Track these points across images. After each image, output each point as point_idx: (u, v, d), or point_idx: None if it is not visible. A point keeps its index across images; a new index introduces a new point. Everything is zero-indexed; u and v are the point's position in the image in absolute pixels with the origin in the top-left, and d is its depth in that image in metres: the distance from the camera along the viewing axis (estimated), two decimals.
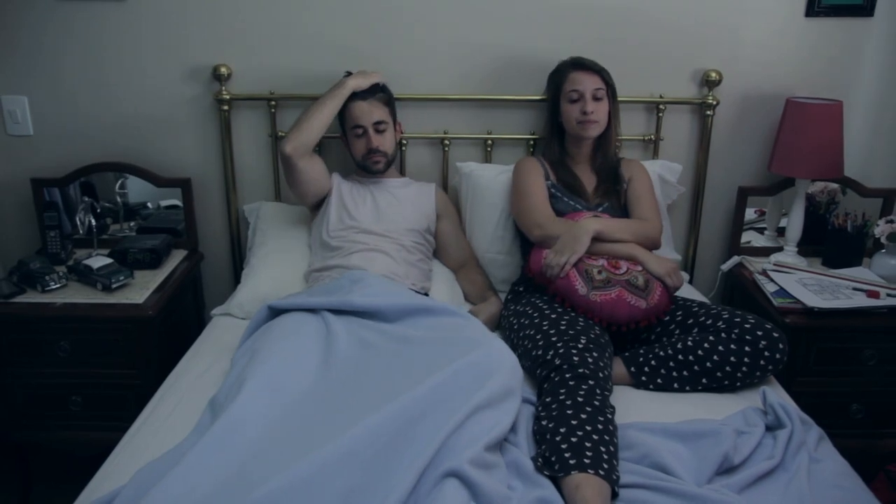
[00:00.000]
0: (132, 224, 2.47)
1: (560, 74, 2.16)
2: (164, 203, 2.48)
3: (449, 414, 1.41)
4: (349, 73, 2.18)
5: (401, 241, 2.13)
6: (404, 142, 2.37)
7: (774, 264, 2.30)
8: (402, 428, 1.38)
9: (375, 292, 1.85)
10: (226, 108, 2.29)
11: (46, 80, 2.29)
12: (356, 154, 2.19)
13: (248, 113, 2.35)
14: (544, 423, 1.54)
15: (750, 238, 2.53)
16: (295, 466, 1.27)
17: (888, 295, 2.08)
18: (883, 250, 2.25)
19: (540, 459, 1.46)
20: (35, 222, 2.34)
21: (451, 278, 2.24)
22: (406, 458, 1.32)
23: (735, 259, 2.40)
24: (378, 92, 2.16)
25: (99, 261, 2.12)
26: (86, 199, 2.36)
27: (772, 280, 2.20)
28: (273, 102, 2.31)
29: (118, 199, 2.43)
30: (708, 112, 2.35)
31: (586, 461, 1.41)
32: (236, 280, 2.42)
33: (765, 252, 2.43)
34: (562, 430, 1.49)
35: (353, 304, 1.81)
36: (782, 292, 2.11)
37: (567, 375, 1.62)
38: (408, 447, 1.34)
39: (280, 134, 2.32)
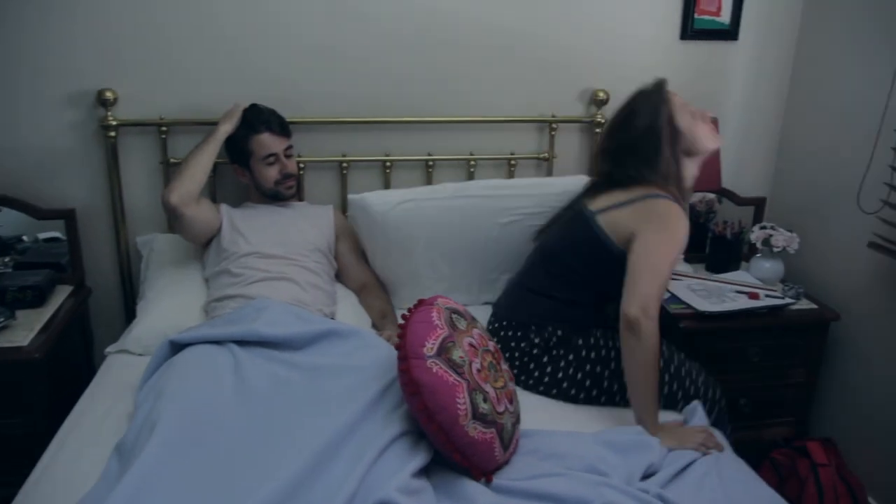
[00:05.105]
0: (7, 259, 2.28)
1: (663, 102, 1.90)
2: (42, 236, 2.31)
3: (366, 445, 1.41)
4: None
5: (304, 263, 2.09)
6: (302, 166, 2.33)
7: None
8: (318, 470, 1.37)
9: (282, 321, 1.82)
10: (112, 134, 2.18)
11: None
12: (267, 182, 2.16)
13: (137, 140, 2.24)
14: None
15: None
16: None
17: (766, 296, 2.25)
18: (758, 254, 2.43)
19: None
20: None
21: (355, 301, 2.22)
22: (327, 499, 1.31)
23: None
24: (280, 123, 2.15)
25: None
26: None
27: None
28: (164, 128, 2.22)
29: None
30: (597, 130, 2.46)
31: None
32: (128, 315, 2.30)
33: None
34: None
35: (260, 335, 1.77)
36: (675, 298, 2.24)
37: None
38: (327, 488, 1.34)
39: (172, 161, 2.23)
